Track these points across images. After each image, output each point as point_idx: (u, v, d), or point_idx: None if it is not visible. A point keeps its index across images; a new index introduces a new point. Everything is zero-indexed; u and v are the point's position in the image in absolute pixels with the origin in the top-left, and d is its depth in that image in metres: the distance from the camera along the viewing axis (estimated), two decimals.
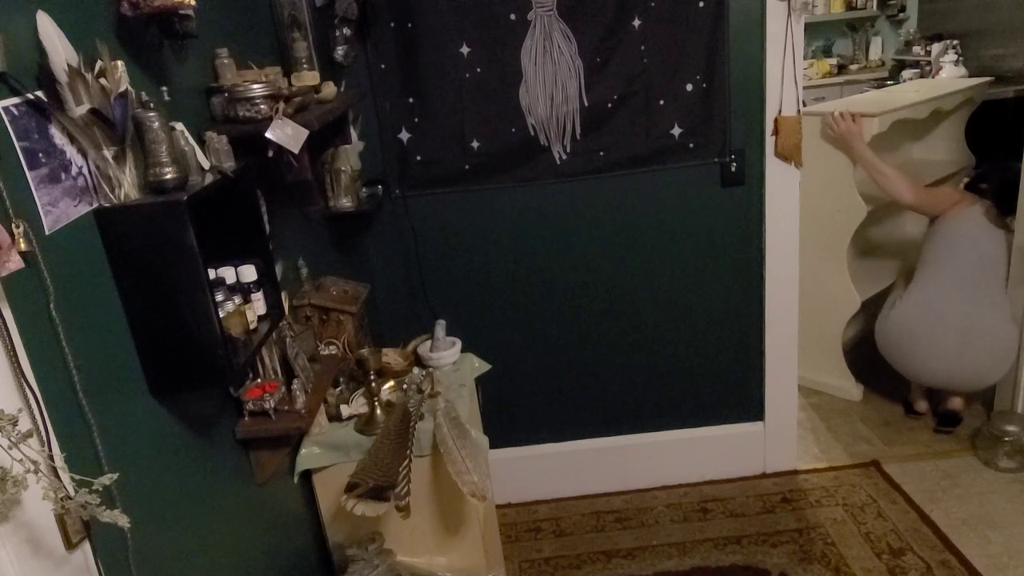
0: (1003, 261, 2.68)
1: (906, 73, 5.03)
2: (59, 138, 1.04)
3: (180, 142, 1.26)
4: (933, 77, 4.64)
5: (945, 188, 2.93)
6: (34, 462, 0.87)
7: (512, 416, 2.65)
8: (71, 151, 1.07)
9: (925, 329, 2.70)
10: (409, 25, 2.22)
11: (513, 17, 2.22)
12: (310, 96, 1.69)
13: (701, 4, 2.22)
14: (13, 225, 0.92)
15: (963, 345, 2.65)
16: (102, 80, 1.09)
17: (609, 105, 2.31)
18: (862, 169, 2.81)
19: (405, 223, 2.43)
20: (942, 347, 2.68)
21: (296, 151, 1.48)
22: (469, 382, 2.10)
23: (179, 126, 1.28)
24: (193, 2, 1.25)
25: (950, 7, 4.61)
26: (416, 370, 2.04)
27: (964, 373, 2.71)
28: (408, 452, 1.67)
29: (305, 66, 1.86)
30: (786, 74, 2.28)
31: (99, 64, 1.10)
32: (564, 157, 2.37)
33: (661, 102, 2.32)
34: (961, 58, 4.64)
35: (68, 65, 1.03)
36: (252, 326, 1.40)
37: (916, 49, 5.12)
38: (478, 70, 2.27)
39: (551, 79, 2.28)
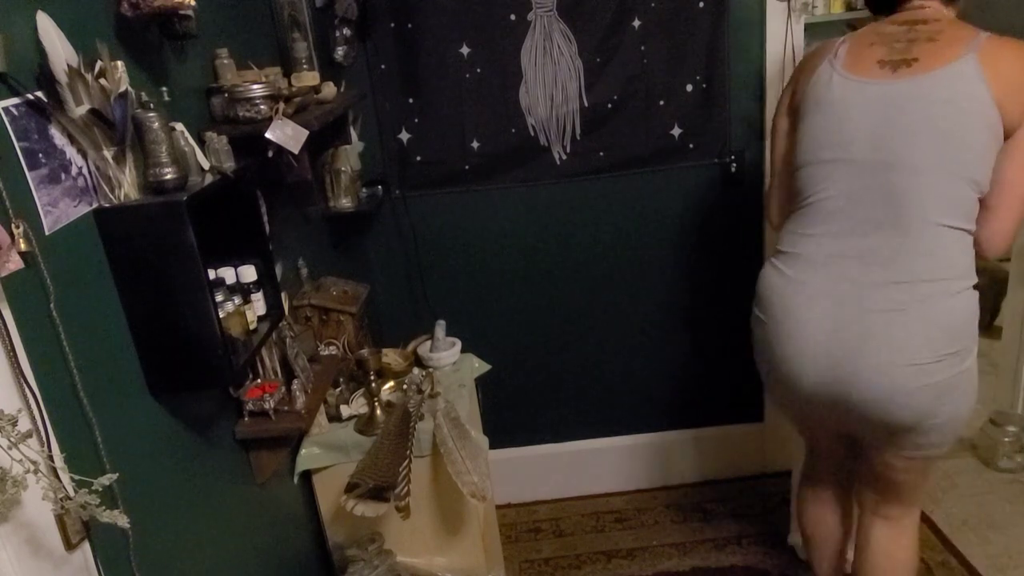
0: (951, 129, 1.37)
1: None
2: (59, 138, 1.04)
3: (180, 142, 1.26)
4: None
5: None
6: (34, 462, 0.87)
7: (512, 416, 2.65)
8: (71, 151, 1.07)
9: (798, 307, 1.51)
10: (409, 25, 2.22)
11: (513, 17, 2.22)
12: (310, 96, 1.68)
13: (701, 4, 2.22)
14: (13, 225, 0.92)
15: (867, 332, 1.42)
16: (102, 80, 1.09)
17: (609, 105, 2.31)
18: None
19: (405, 223, 2.43)
20: (824, 336, 1.46)
21: (296, 151, 1.47)
22: (469, 382, 2.10)
23: (179, 126, 1.28)
24: (193, 2, 1.25)
25: None
26: (416, 370, 2.04)
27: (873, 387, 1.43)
28: (408, 452, 1.67)
29: (305, 66, 1.86)
30: (786, 74, 2.28)
31: (99, 64, 1.10)
32: (564, 157, 2.37)
33: (661, 102, 2.32)
34: None
35: (68, 65, 1.03)
36: (252, 326, 1.40)
37: None
38: (478, 70, 2.27)
39: (551, 79, 2.28)
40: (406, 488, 1.62)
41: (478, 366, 2.22)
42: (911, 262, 1.39)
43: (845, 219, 1.46)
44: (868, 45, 1.48)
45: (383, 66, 2.27)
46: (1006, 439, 2.60)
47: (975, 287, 1.42)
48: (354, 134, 2.23)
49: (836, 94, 1.47)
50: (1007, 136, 1.37)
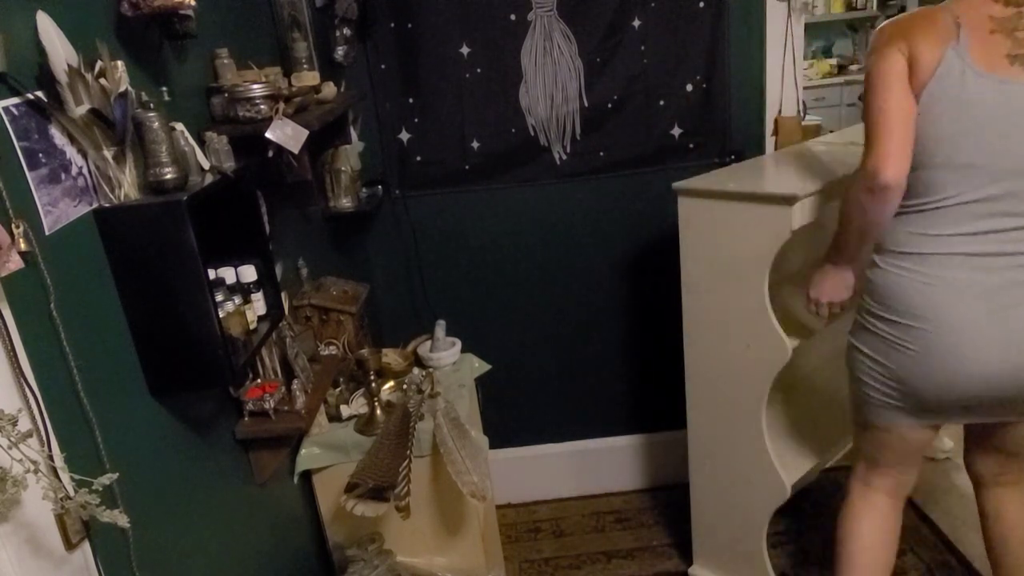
0: None
1: None
2: (59, 138, 1.04)
3: (180, 142, 1.26)
4: None
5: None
6: (34, 462, 0.87)
7: (512, 416, 2.65)
8: (71, 151, 1.07)
9: (952, 300, 1.45)
10: (409, 25, 2.22)
11: (513, 17, 2.22)
12: (310, 96, 1.69)
13: (701, 4, 2.23)
14: (13, 225, 0.92)
15: None
16: (102, 80, 1.09)
17: (609, 105, 2.31)
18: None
19: (405, 223, 2.43)
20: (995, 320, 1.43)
21: (296, 151, 1.48)
22: (469, 382, 2.10)
23: (179, 126, 1.28)
24: (193, 2, 1.25)
25: None
26: (416, 370, 2.04)
27: None
28: (408, 452, 1.67)
29: (305, 66, 1.86)
30: (786, 74, 2.28)
31: (99, 64, 1.10)
32: (564, 157, 2.37)
33: (661, 102, 2.32)
34: None
35: (68, 65, 1.03)
36: (252, 326, 1.40)
37: None
38: (478, 70, 2.27)
39: (551, 79, 2.28)
40: (406, 488, 1.62)
41: (478, 366, 2.22)
42: None
43: (982, 222, 1.43)
44: (988, 32, 1.39)
45: (383, 66, 2.27)
46: None
47: None
48: (354, 134, 2.23)
49: (972, 94, 1.39)
50: None
